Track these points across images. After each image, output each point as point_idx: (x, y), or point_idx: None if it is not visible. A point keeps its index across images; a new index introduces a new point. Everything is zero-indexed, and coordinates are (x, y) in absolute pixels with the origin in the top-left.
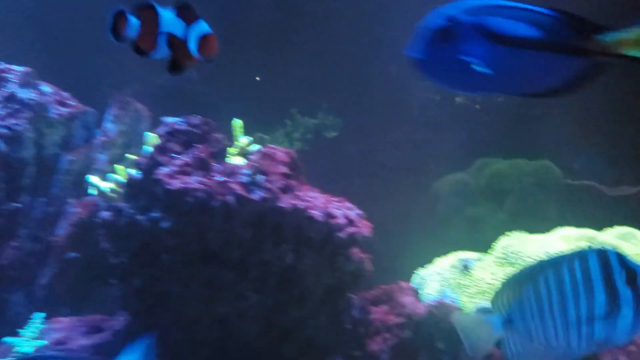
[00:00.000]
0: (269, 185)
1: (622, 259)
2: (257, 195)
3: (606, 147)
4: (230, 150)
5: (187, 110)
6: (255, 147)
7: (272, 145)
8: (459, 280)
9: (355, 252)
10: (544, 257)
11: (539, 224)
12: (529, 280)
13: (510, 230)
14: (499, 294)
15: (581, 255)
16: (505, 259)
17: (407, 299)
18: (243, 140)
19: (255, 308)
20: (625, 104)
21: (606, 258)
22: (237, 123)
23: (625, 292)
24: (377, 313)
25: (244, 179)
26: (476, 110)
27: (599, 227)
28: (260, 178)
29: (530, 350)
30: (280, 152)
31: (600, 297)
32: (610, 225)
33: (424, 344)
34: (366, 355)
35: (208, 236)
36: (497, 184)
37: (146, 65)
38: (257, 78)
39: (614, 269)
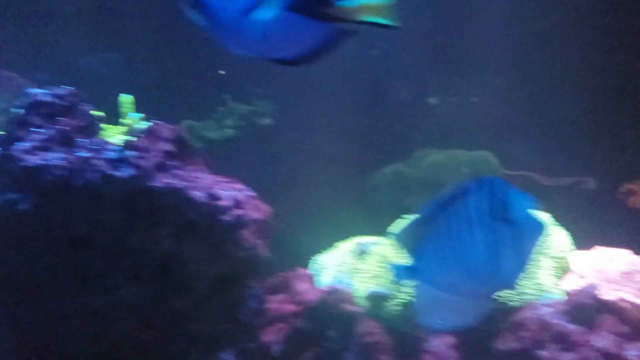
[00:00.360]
0: (140, 162)
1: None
2: (125, 172)
3: (543, 138)
4: (117, 128)
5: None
6: (144, 124)
7: (159, 122)
8: (355, 265)
9: (247, 237)
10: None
11: None
12: (425, 225)
13: None
14: (400, 242)
15: (471, 192)
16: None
17: (302, 286)
18: (132, 118)
19: (131, 299)
20: (564, 97)
21: (494, 193)
22: (126, 99)
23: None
24: (274, 302)
25: (111, 154)
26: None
27: None
28: (130, 154)
29: (436, 301)
30: (166, 128)
31: (489, 234)
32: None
33: (316, 332)
34: (259, 347)
35: (73, 219)
36: (434, 174)
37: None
38: (221, 72)
39: (502, 203)
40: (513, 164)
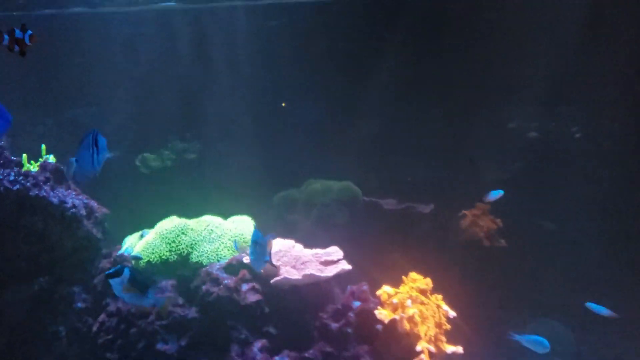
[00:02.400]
0: (25, 182)
1: None
2: (15, 186)
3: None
4: (34, 164)
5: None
6: (41, 162)
7: (49, 161)
8: (137, 242)
9: (86, 225)
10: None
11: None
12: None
13: None
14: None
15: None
16: (156, 231)
17: (114, 253)
18: (44, 159)
19: (25, 254)
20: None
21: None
22: (43, 148)
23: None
24: (103, 261)
25: (11, 177)
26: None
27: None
28: (22, 178)
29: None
30: (50, 164)
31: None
32: None
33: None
34: (95, 284)
35: None
36: (312, 198)
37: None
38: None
39: None
40: (368, 191)
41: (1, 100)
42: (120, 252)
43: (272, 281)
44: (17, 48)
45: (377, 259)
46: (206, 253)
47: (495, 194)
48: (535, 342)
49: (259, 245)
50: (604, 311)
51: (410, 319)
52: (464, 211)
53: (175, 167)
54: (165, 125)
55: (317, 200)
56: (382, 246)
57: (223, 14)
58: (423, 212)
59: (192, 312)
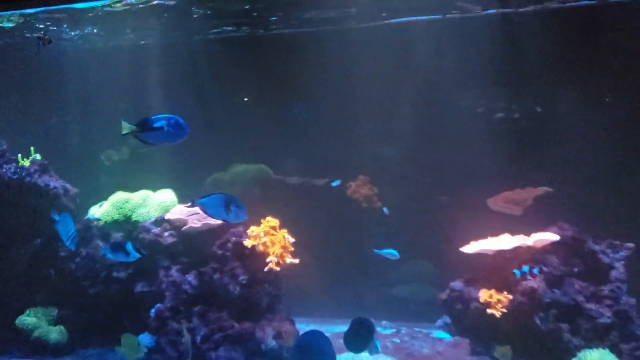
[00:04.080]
0: (20, 171)
1: None
2: (13, 175)
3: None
4: (27, 160)
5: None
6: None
7: (36, 158)
8: (97, 209)
9: (63, 200)
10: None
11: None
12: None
13: None
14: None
15: None
16: (109, 202)
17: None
18: (33, 157)
19: (25, 218)
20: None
21: None
22: (32, 150)
23: None
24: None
25: (12, 169)
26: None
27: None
28: (17, 169)
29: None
30: (38, 161)
31: None
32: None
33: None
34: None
35: None
36: (235, 179)
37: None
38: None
39: None
40: (278, 172)
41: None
42: (86, 217)
43: (183, 229)
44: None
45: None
46: (142, 214)
47: (336, 183)
48: (389, 253)
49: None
50: (388, 254)
51: (264, 244)
52: (350, 182)
53: (130, 160)
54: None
55: (239, 179)
56: (281, 209)
57: None
58: (318, 184)
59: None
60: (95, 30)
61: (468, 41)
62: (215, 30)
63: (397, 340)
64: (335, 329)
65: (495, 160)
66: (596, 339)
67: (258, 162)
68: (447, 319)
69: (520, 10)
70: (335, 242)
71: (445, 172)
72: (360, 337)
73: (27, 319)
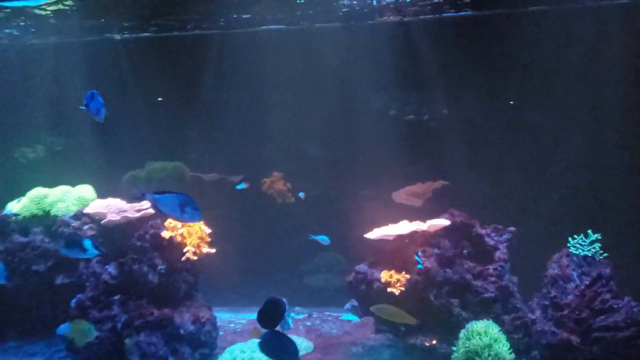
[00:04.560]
0: None
1: None
2: None
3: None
4: None
5: None
6: None
7: None
8: (15, 205)
9: None
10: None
11: None
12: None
13: None
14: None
15: None
16: (28, 197)
17: None
18: None
19: None
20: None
21: None
22: None
23: None
24: None
25: None
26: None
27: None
28: None
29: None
30: None
31: None
32: None
33: None
34: None
35: None
36: (151, 176)
37: None
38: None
39: None
40: (195, 169)
41: None
42: (4, 212)
43: (102, 222)
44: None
45: None
46: (61, 209)
47: (241, 186)
48: (322, 239)
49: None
50: (321, 239)
51: (181, 235)
52: (264, 178)
53: (46, 157)
54: (36, 122)
55: (155, 176)
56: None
57: None
58: (234, 180)
59: (53, 245)
60: (7, 31)
61: (375, 47)
62: (129, 31)
63: (309, 324)
64: (252, 317)
65: (400, 157)
66: (482, 311)
67: (175, 159)
68: (355, 302)
69: (421, 17)
70: (252, 235)
71: (353, 169)
72: (273, 314)
73: None
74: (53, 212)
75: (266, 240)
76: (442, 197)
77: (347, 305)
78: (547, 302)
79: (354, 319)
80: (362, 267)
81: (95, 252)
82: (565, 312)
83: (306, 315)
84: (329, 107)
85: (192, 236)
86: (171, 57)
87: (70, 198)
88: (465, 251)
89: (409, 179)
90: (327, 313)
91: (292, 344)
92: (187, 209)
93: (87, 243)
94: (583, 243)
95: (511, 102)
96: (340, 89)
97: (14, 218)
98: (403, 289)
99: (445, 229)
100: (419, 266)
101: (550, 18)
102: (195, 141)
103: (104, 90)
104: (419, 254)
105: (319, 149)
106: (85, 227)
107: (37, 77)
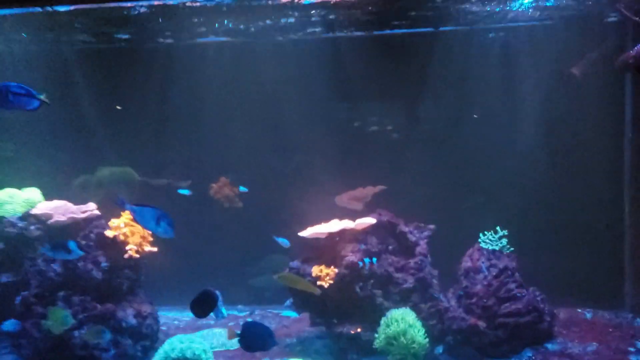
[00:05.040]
0: None
1: None
2: None
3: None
4: None
5: None
6: None
7: None
8: None
9: None
10: None
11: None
12: None
13: None
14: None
15: None
16: None
17: None
18: None
19: None
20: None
21: None
22: None
23: None
24: None
25: None
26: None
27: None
28: None
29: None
30: None
31: None
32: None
33: None
34: None
35: None
36: (101, 182)
37: None
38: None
39: None
40: (143, 174)
41: None
42: None
43: (49, 222)
44: None
45: None
46: (8, 210)
47: (184, 191)
48: (283, 241)
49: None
50: (281, 241)
51: (124, 234)
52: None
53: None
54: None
55: (105, 182)
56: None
57: None
58: (181, 185)
59: (1, 245)
60: None
61: (311, 61)
62: (80, 40)
63: (249, 320)
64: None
65: (341, 164)
66: (402, 301)
67: (124, 165)
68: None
69: (346, 35)
70: (199, 239)
71: (298, 176)
72: (204, 303)
73: None
74: (0, 213)
75: (213, 244)
76: (379, 200)
77: (287, 302)
78: (461, 293)
79: (293, 315)
80: (295, 263)
81: (80, 252)
82: (474, 300)
83: (248, 312)
84: (270, 116)
85: (135, 235)
86: (121, 65)
87: (18, 200)
88: (389, 247)
89: (349, 185)
90: (269, 310)
91: (266, 328)
92: (162, 223)
93: (72, 245)
94: (492, 238)
95: (475, 116)
96: (284, 99)
97: None
98: (332, 282)
99: (373, 226)
100: (360, 264)
101: (460, 37)
102: (144, 147)
103: (56, 96)
104: (366, 260)
105: (268, 156)
106: (32, 227)
107: None
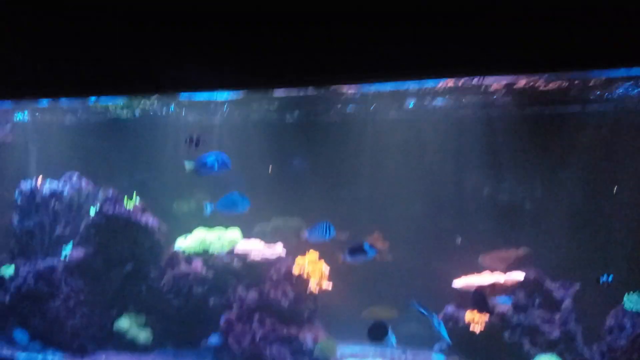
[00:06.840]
0: (127, 212)
1: None
2: (125, 214)
3: None
4: None
5: None
6: None
7: (137, 202)
8: (182, 241)
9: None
10: None
11: None
12: None
13: None
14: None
15: None
16: (192, 237)
17: None
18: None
19: None
20: None
21: None
22: (134, 193)
23: None
24: None
25: (123, 209)
26: None
27: None
28: (125, 209)
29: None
30: (138, 204)
31: None
32: None
33: None
34: None
35: None
36: (275, 229)
37: None
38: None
39: None
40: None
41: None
42: (174, 249)
43: (247, 259)
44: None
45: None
46: (216, 248)
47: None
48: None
49: None
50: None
51: (307, 273)
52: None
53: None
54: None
55: (278, 229)
56: None
57: None
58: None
59: (211, 274)
60: None
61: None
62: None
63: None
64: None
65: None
66: (548, 350)
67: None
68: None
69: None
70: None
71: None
72: (378, 329)
73: (122, 323)
74: (210, 250)
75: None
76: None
77: (436, 347)
78: (604, 348)
79: (441, 357)
80: (449, 308)
81: (374, 252)
82: (618, 354)
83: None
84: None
85: (316, 272)
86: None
87: (224, 239)
88: (537, 300)
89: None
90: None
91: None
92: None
93: (366, 246)
94: (636, 299)
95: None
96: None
97: (181, 253)
98: (482, 329)
99: (521, 282)
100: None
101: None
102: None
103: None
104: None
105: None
106: (234, 262)
107: None
